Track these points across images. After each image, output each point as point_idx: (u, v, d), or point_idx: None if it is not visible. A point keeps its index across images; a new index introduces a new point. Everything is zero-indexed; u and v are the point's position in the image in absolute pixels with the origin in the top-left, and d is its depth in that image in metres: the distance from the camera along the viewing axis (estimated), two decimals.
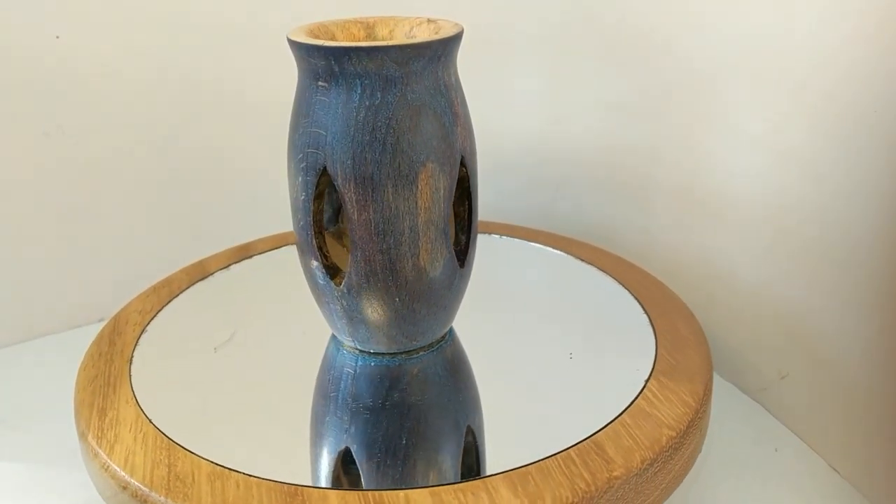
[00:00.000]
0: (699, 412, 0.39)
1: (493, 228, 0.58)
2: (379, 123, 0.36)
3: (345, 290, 0.40)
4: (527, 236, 0.57)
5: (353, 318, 0.41)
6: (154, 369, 0.43)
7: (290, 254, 0.53)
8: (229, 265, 0.54)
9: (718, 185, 0.53)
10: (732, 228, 0.52)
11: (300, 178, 0.39)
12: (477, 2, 0.64)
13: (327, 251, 0.41)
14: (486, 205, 0.63)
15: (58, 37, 0.57)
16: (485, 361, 0.44)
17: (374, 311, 0.40)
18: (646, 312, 0.47)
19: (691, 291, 0.54)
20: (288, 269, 0.50)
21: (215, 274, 0.53)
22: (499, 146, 0.66)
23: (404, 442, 0.38)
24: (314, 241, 0.40)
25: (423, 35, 0.40)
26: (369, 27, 0.42)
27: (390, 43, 0.35)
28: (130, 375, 0.42)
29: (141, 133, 0.62)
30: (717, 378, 0.52)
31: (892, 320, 0.42)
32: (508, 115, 0.66)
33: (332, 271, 0.40)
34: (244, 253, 0.55)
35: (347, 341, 0.43)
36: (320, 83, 0.37)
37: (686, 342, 0.44)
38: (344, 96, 0.36)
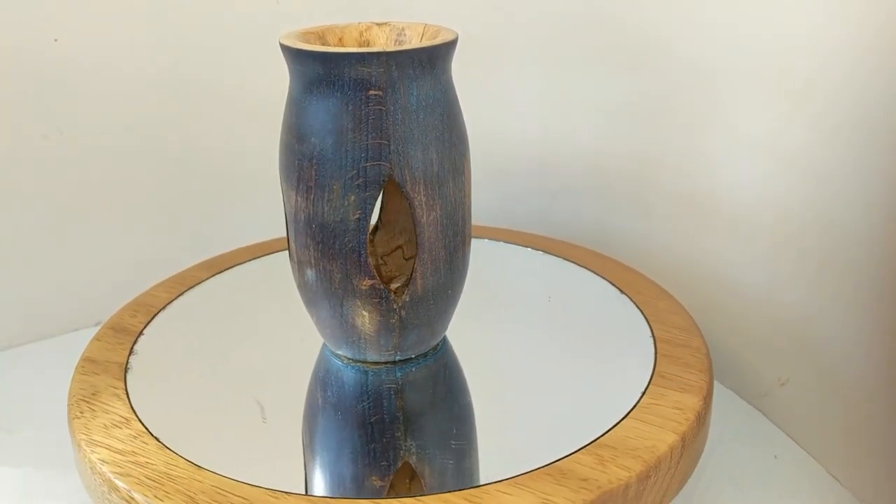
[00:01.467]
0: (699, 419, 0.38)
1: (490, 233, 0.58)
2: (435, 122, 0.37)
3: (407, 300, 0.39)
4: (524, 241, 0.57)
5: (408, 325, 0.40)
6: (149, 375, 0.43)
7: (284, 258, 0.53)
8: (222, 271, 0.54)
9: (718, 190, 0.53)
10: (732, 234, 0.52)
11: (353, 197, 0.37)
12: (476, 5, 0.64)
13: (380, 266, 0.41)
14: (484, 209, 0.62)
15: (56, 39, 0.57)
16: (480, 368, 0.44)
17: (432, 312, 0.40)
18: (645, 318, 0.47)
19: (691, 297, 0.54)
20: (282, 274, 0.50)
21: (210, 279, 0.53)
22: (497, 150, 0.66)
23: (401, 451, 0.37)
24: (369, 261, 0.38)
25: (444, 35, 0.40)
26: (398, 30, 0.42)
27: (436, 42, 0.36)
28: (126, 381, 0.42)
29: (139, 136, 0.62)
30: (716, 384, 0.52)
31: (891, 326, 0.42)
32: (507, 118, 0.66)
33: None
34: (239, 258, 0.55)
35: (346, 352, 0.42)
36: (371, 92, 0.36)
37: (686, 348, 0.44)
38: (402, 100, 0.36)
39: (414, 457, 0.37)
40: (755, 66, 0.48)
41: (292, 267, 0.41)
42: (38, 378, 0.57)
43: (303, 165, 0.37)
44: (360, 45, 0.41)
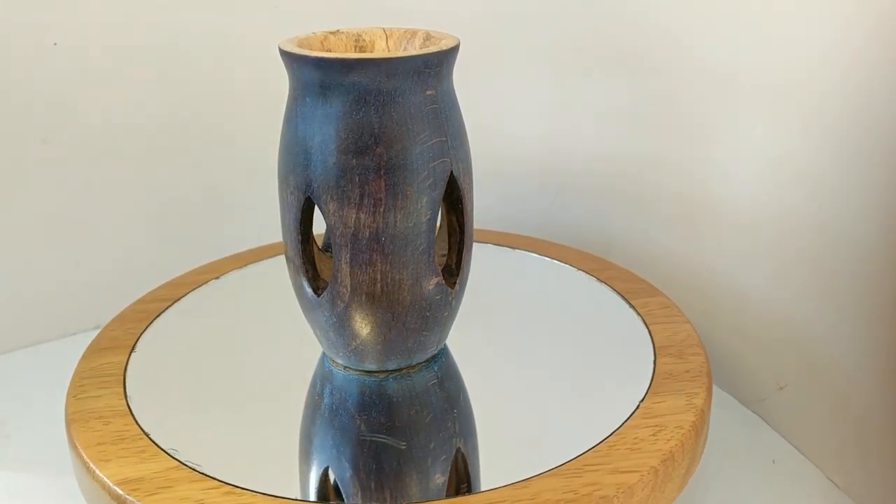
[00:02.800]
0: (698, 425, 0.38)
1: (489, 237, 0.58)
2: (459, 119, 0.39)
3: (458, 290, 0.41)
4: (523, 245, 0.57)
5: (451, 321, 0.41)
6: (147, 380, 0.43)
7: (283, 263, 0.53)
8: (223, 274, 0.54)
9: (718, 195, 0.53)
10: (732, 239, 0.52)
11: (425, 199, 0.37)
12: (478, 8, 0.64)
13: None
14: (485, 213, 0.63)
15: (55, 44, 0.57)
16: (479, 375, 0.44)
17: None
18: (644, 323, 0.47)
19: (690, 300, 0.54)
20: (280, 278, 0.50)
21: (208, 283, 0.53)
22: (497, 153, 0.66)
23: (397, 460, 0.37)
24: (435, 260, 0.38)
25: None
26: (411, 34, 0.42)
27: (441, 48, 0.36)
28: (124, 385, 0.42)
29: (138, 141, 0.62)
30: (715, 388, 0.52)
31: (890, 331, 0.42)
32: (508, 123, 0.66)
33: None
34: (238, 263, 0.55)
35: (342, 360, 0.42)
36: (428, 92, 0.36)
37: (685, 354, 0.44)
38: (447, 97, 0.38)
39: (414, 465, 0.37)
40: (754, 71, 0.48)
41: (301, 280, 0.40)
42: (36, 382, 0.57)
43: (367, 179, 0.36)
44: (365, 52, 0.41)
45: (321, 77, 0.35)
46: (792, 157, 0.47)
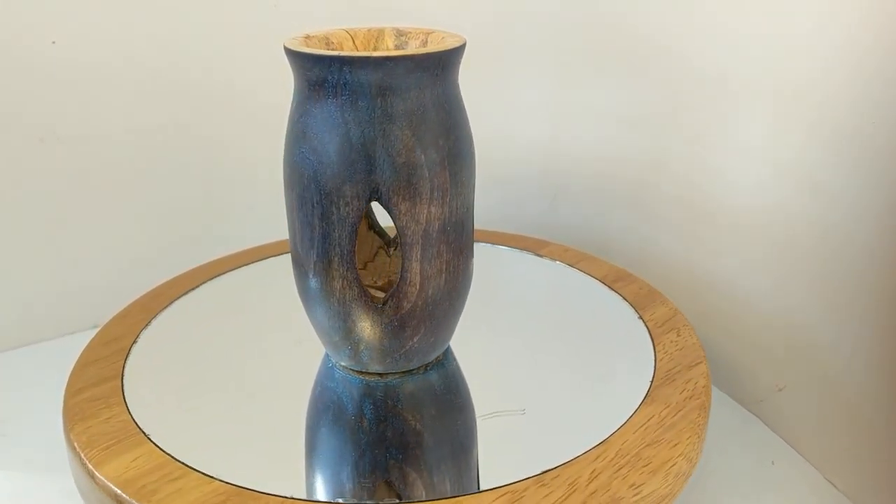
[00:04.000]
0: (697, 426, 0.38)
1: (490, 238, 0.58)
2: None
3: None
4: (523, 245, 0.57)
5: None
6: (146, 379, 0.43)
7: (282, 263, 0.53)
8: (221, 274, 0.54)
9: (718, 197, 0.53)
10: (731, 240, 0.52)
11: (472, 182, 0.39)
12: (480, 11, 0.64)
13: None
14: (486, 214, 0.63)
15: (53, 42, 0.57)
16: (481, 376, 0.44)
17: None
18: (644, 324, 0.47)
19: (690, 302, 0.54)
20: (279, 278, 0.50)
21: (206, 283, 0.53)
22: (499, 155, 0.66)
23: (400, 459, 0.37)
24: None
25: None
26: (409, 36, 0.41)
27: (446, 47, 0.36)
28: (122, 385, 0.42)
29: (137, 139, 0.62)
30: (714, 389, 0.52)
31: (888, 333, 0.42)
32: (510, 124, 0.66)
33: None
34: (238, 262, 0.55)
35: (348, 362, 0.42)
36: (456, 82, 0.38)
37: (685, 355, 0.44)
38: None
39: (415, 466, 0.37)
40: (755, 76, 0.48)
41: (353, 293, 0.38)
42: (34, 381, 0.57)
43: (434, 172, 0.36)
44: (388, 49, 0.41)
45: (381, 78, 0.34)
46: (791, 160, 0.47)
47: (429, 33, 0.40)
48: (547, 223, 0.66)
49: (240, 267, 0.55)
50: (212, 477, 0.35)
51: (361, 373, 0.42)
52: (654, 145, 0.57)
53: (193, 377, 0.44)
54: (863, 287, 0.43)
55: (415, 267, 0.38)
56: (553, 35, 0.62)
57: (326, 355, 0.44)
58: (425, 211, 0.37)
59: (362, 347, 0.40)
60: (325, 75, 0.35)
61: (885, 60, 0.40)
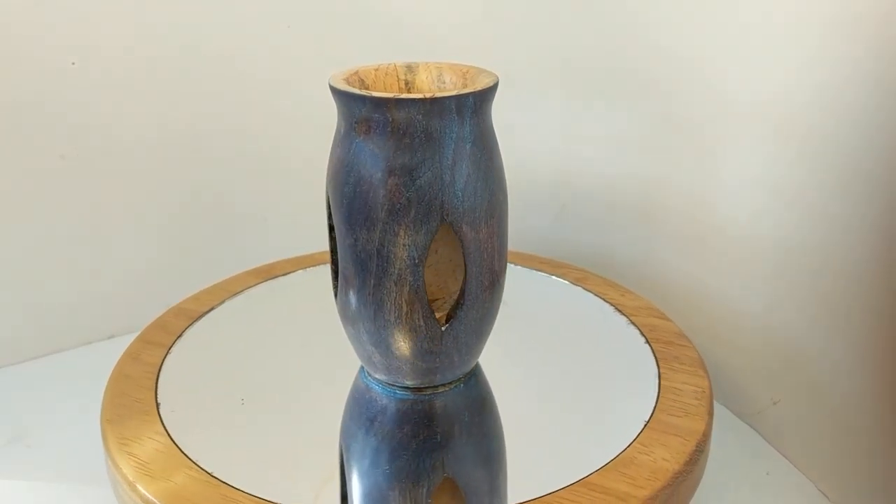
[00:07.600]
0: (700, 444, 0.40)
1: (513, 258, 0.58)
2: None
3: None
4: (525, 263, 0.58)
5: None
6: (180, 397, 0.43)
7: (306, 277, 0.53)
8: (253, 285, 0.54)
9: (720, 216, 0.54)
10: (732, 259, 0.53)
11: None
12: (485, 32, 0.65)
13: None
14: None
15: (73, 63, 0.58)
16: (505, 388, 0.44)
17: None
18: (647, 342, 0.48)
19: (691, 318, 0.55)
20: (307, 292, 0.50)
21: (240, 294, 0.53)
22: (509, 174, 0.66)
23: (437, 476, 0.38)
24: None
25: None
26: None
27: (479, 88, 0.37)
28: (157, 397, 0.43)
29: (156, 155, 0.63)
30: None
31: (880, 348, 0.43)
32: (517, 143, 0.66)
33: None
34: (266, 275, 0.56)
35: (386, 377, 0.42)
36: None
37: (689, 371, 0.45)
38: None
39: (449, 480, 0.38)
40: (759, 97, 0.49)
41: (420, 320, 0.38)
42: (54, 391, 0.58)
43: (487, 196, 0.38)
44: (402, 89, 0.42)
45: (456, 108, 0.36)
46: (793, 180, 0.48)
47: (465, 71, 0.40)
48: (548, 240, 0.67)
49: (269, 279, 0.55)
50: (248, 493, 0.36)
51: (402, 388, 0.42)
52: (660, 164, 0.58)
53: (226, 387, 0.45)
54: (856, 306, 0.45)
55: (475, 289, 0.39)
56: (562, 56, 0.63)
57: (362, 368, 0.44)
58: (484, 232, 0.38)
59: (406, 365, 0.40)
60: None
61: (887, 86, 0.41)
